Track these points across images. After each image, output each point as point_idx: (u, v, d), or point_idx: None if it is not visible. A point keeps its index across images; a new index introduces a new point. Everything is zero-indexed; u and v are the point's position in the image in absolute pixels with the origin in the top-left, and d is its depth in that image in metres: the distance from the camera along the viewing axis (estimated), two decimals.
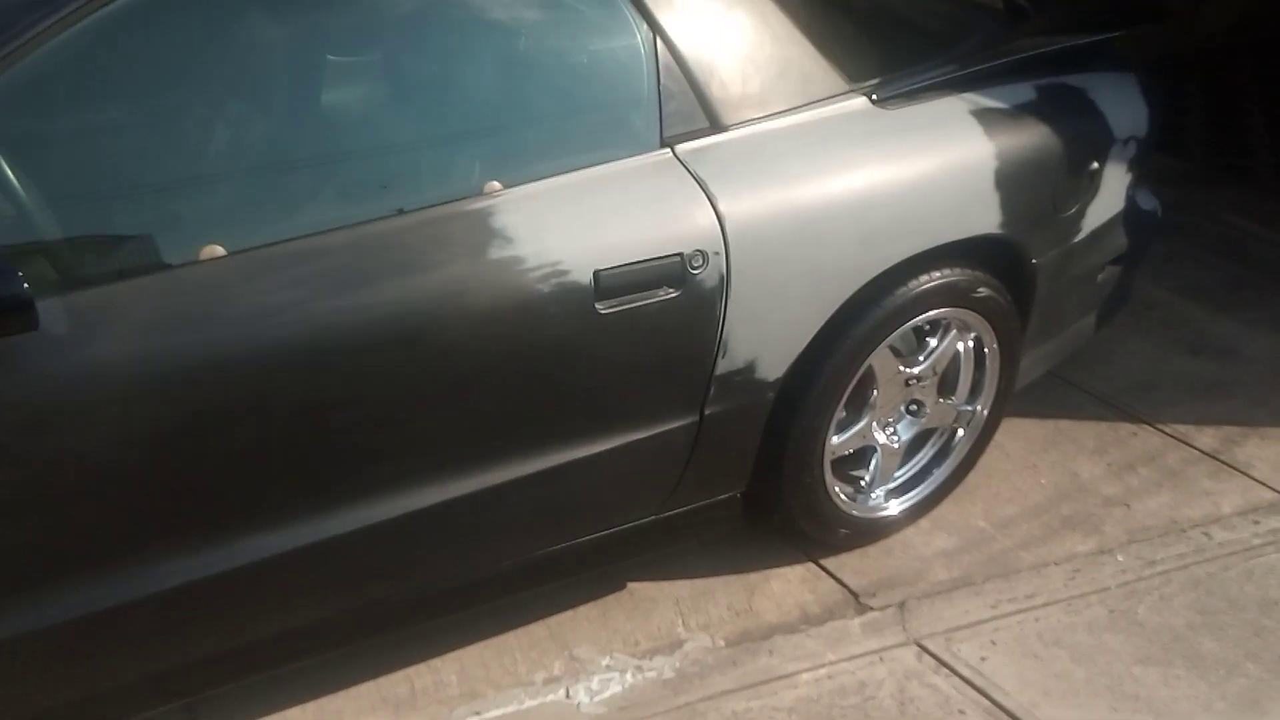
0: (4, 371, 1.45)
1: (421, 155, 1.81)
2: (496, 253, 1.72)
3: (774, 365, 2.06)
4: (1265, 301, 3.60)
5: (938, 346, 2.37)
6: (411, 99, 1.88)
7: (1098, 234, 2.55)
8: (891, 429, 2.43)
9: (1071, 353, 2.93)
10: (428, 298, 1.68)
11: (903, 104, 2.15)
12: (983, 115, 2.22)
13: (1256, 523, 2.63)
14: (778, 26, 2.03)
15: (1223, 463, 2.83)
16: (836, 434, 2.32)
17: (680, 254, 1.86)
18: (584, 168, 1.84)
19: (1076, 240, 2.48)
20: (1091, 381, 3.13)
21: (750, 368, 2.03)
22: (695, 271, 1.88)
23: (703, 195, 1.89)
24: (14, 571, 1.55)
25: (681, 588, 2.36)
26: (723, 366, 1.99)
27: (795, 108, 2.04)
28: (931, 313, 2.28)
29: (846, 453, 2.38)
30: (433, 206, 1.72)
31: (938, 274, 2.22)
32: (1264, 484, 2.76)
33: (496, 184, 1.76)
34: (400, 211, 1.70)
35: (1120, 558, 2.50)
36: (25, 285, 1.38)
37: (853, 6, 2.43)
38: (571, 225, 1.79)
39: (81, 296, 1.52)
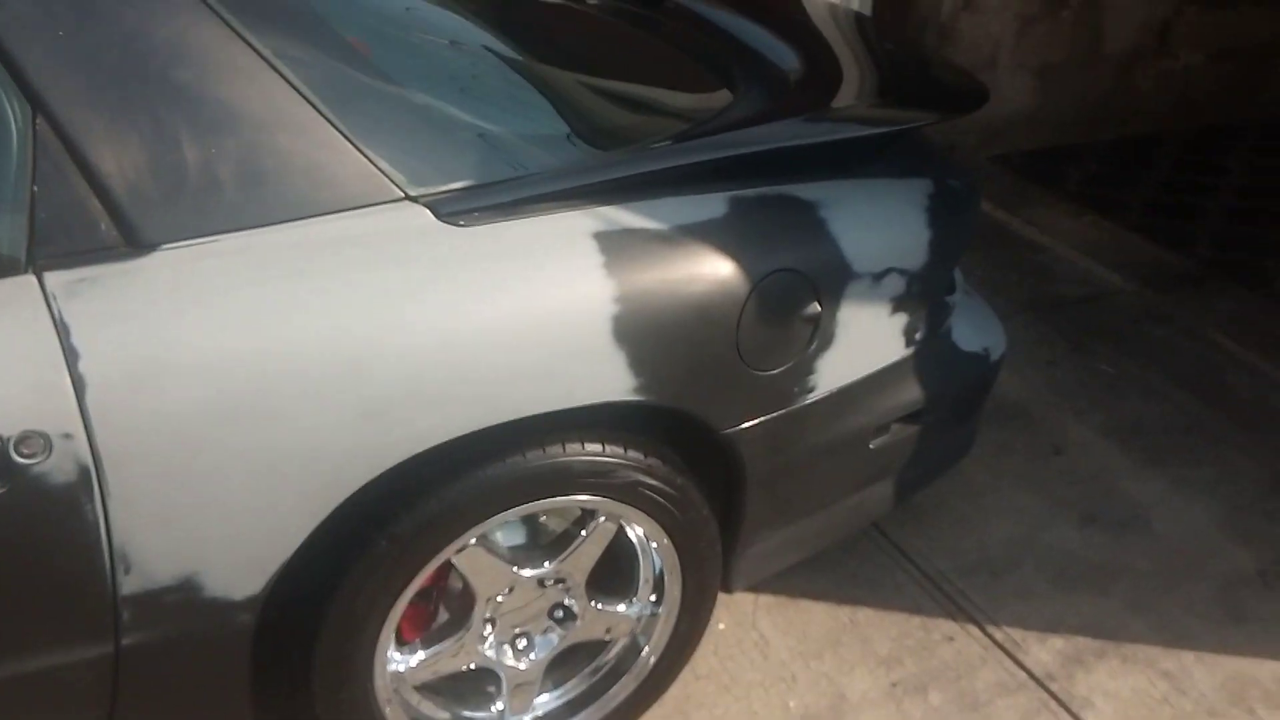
0: None
1: None
2: None
3: (236, 581, 1.39)
4: (1216, 454, 2.69)
5: (578, 541, 1.67)
6: None
7: (851, 392, 1.78)
8: (525, 642, 1.74)
9: (854, 531, 2.15)
10: None
11: (487, 221, 1.46)
12: (611, 240, 1.50)
13: None
14: (281, 99, 1.37)
15: (1051, 695, 2.00)
16: (416, 652, 1.65)
17: None
18: None
19: (807, 402, 1.73)
20: (930, 553, 2.33)
21: (189, 586, 1.37)
22: (29, 461, 1.23)
23: (56, 348, 1.24)
24: None
25: None
26: (132, 585, 1.33)
27: (287, 220, 1.38)
28: (543, 503, 1.59)
29: (464, 668, 1.70)
30: None
31: (538, 454, 1.53)
32: None
33: None
34: None
35: None
36: None
37: (512, 63, 1.76)
38: None
39: None
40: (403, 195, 1.43)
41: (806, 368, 1.70)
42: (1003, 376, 2.93)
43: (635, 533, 1.70)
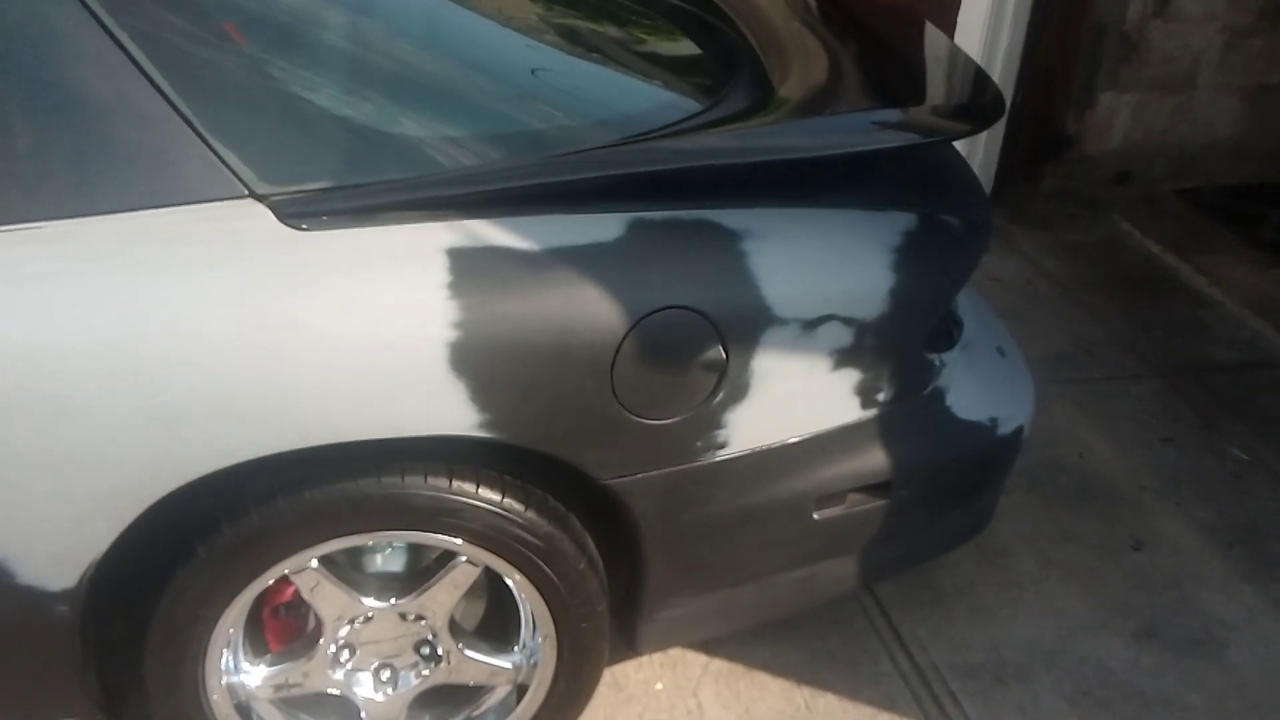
0: None
1: None
2: None
3: (48, 573, 1.37)
4: None
5: (432, 581, 1.57)
6: None
7: (779, 454, 1.57)
8: (388, 674, 1.65)
9: (806, 608, 1.92)
10: None
11: (332, 226, 1.36)
12: (464, 258, 1.37)
13: None
14: (126, 83, 1.31)
15: None
16: (259, 666, 1.60)
17: None
18: None
19: (716, 459, 1.54)
20: (931, 644, 2.05)
21: (1, 570, 1.39)
22: None
23: None
24: None
25: None
26: None
27: (118, 211, 1.32)
28: (392, 535, 1.50)
29: (325, 691, 1.64)
30: None
31: (372, 483, 1.42)
32: None
33: None
34: None
35: None
36: None
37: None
38: None
39: None
40: (247, 193, 1.37)
41: (711, 421, 1.51)
42: (1100, 449, 2.59)
43: (509, 581, 1.58)
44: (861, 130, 1.64)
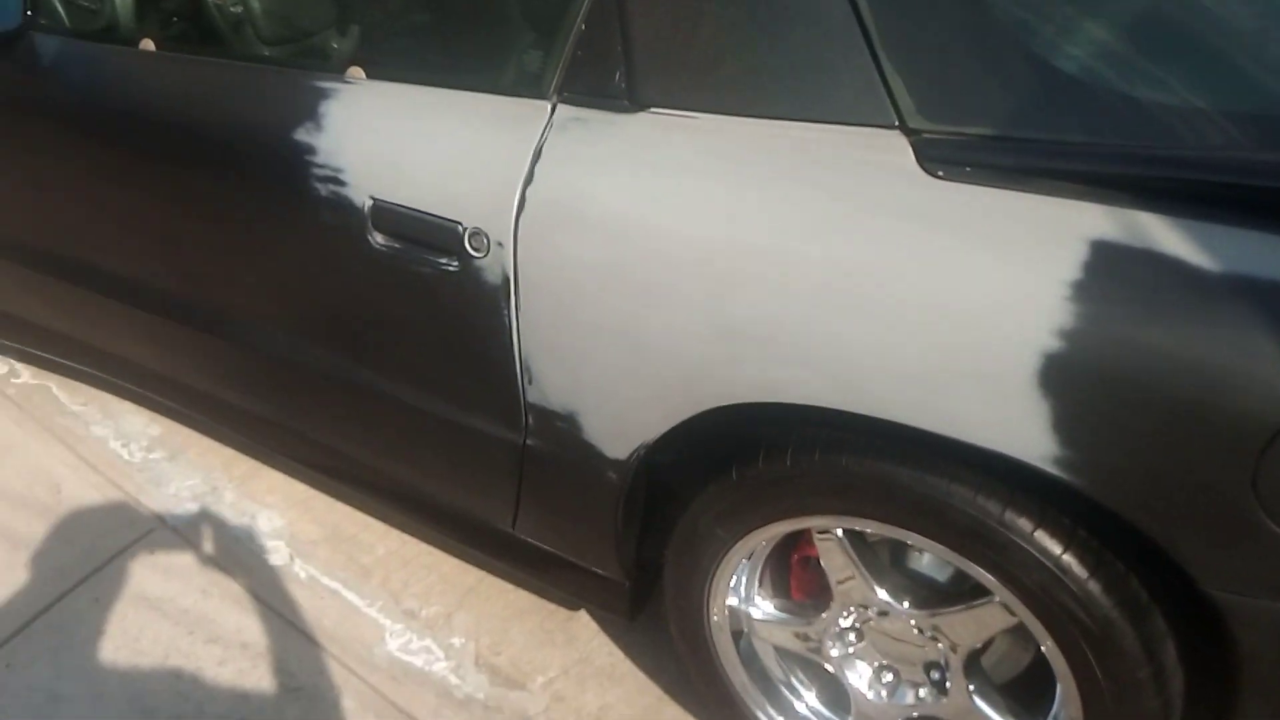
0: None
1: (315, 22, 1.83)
2: (300, 135, 1.53)
3: (606, 438, 1.43)
4: None
5: (955, 608, 1.33)
6: None
7: None
8: (889, 677, 1.46)
9: None
10: (236, 149, 1.62)
11: (972, 181, 1.14)
12: (1107, 255, 1.05)
13: None
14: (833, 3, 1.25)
15: None
16: (766, 605, 1.52)
17: (459, 224, 1.41)
18: (454, 88, 1.47)
19: None
20: None
21: (571, 421, 1.45)
22: (475, 254, 1.40)
23: (524, 170, 1.35)
24: None
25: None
26: (533, 396, 1.47)
27: (770, 117, 1.25)
28: (923, 541, 1.28)
29: (822, 664, 1.53)
30: (292, 68, 1.64)
31: (910, 474, 1.23)
32: None
33: (360, 71, 1.56)
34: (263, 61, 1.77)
35: None
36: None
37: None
38: (380, 138, 1.47)
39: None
40: (896, 124, 1.20)
41: None
42: None
43: (1044, 647, 1.29)
44: None
